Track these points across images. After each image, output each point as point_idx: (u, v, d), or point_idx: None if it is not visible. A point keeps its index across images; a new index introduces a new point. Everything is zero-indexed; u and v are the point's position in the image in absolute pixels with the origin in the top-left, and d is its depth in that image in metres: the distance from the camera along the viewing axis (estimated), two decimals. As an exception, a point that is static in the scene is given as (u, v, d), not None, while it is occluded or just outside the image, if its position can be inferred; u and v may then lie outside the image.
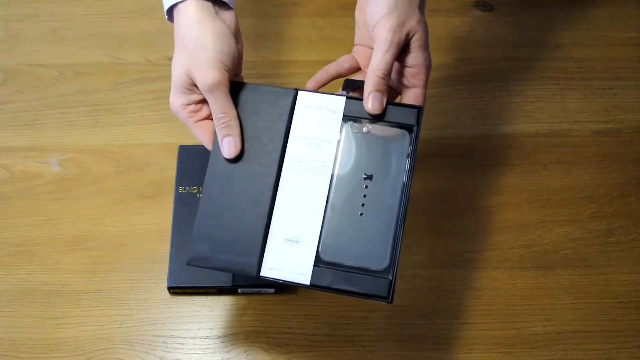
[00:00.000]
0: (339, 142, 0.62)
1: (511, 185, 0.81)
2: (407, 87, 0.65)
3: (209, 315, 0.73)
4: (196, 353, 0.71)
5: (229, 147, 0.63)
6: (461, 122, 0.85)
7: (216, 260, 0.61)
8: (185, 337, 0.72)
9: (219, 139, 0.63)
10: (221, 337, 0.72)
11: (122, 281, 0.74)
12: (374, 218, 0.60)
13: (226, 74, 0.62)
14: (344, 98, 0.62)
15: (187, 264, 0.61)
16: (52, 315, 0.73)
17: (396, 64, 0.65)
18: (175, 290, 0.73)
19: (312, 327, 0.72)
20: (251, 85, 0.64)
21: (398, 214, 0.59)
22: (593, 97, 0.88)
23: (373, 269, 0.59)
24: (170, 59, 0.88)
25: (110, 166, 0.82)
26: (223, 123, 0.62)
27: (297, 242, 0.60)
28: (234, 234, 0.61)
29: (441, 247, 0.77)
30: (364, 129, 0.62)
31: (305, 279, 0.59)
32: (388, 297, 0.58)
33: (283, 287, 0.74)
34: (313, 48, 0.90)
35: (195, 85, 0.62)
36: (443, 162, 0.82)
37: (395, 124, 0.61)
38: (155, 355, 0.71)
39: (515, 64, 0.90)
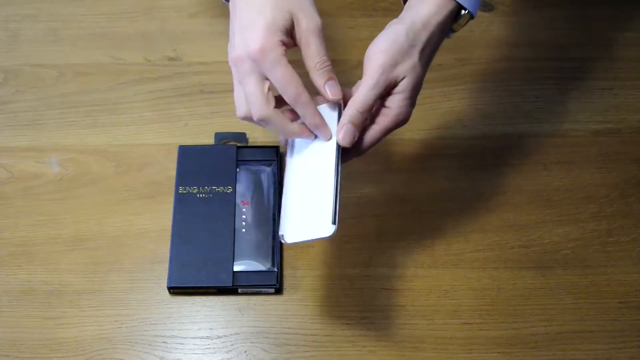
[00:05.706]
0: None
1: (511, 185, 0.81)
2: (371, 122, 0.64)
3: (209, 315, 0.73)
4: (196, 353, 0.71)
5: (334, 90, 0.62)
6: (461, 122, 0.85)
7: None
8: (185, 337, 0.72)
9: (321, 84, 0.62)
10: (221, 337, 0.72)
11: (122, 281, 0.74)
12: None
13: None
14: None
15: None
16: (52, 315, 0.72)
17: None
18: (175, 290, 0.73)
19: (312, 327, 0.72)
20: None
21: None
22: (593, 97, 0.88)
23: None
24: (170, 59, 0.89)
25: (110, 166, 0.82)
26: (327, 66, 0.62)
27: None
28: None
29: (441, 247, 0.77)
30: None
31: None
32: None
33: (283, 287, 0.74)
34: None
35: (290, 30, 0.61)
36: (443, 162, 0.82)
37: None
38: (155, 355, 0.71)
39: (515, 64, 0.90)
